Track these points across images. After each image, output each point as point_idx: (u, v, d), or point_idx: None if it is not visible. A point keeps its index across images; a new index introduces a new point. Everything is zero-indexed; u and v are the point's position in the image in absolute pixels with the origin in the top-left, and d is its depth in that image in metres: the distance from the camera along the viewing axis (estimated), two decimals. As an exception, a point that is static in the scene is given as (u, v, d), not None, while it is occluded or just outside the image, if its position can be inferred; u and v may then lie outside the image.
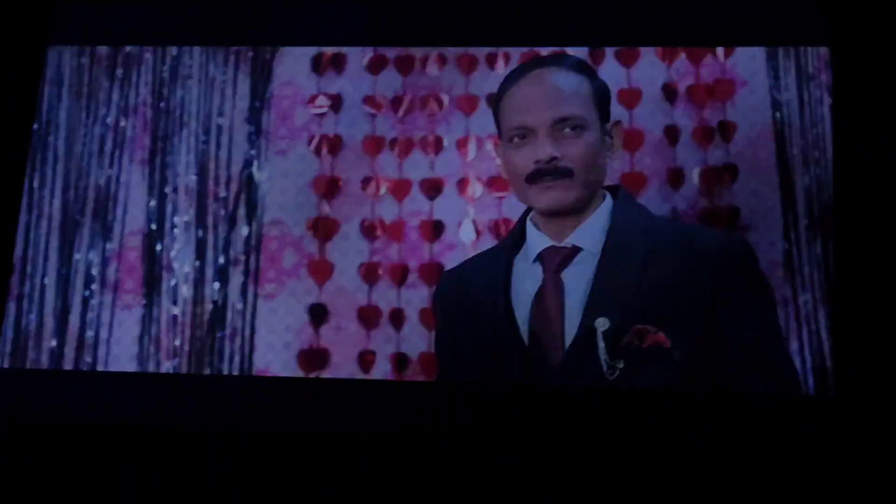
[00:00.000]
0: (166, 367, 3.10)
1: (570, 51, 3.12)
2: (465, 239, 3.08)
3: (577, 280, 2.80)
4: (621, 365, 2.73)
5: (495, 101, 2.93)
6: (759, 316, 2.75)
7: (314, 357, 3.06)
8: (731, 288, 2.73)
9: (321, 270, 3.11)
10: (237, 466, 3.05)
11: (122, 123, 3.29)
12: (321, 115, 3.21)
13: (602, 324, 2.73)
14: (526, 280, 2.83)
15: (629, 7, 3.21)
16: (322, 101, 3.21)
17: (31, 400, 3.18)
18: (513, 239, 2.89)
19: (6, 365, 3.17)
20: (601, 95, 2.85)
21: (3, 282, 3.30)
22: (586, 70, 2.90)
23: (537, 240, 2.84)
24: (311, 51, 3.27)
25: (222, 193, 3.19)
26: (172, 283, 3.14)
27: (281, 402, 3.06)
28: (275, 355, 3.08)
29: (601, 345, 2.73)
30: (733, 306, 2.72)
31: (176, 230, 3.18)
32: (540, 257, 2.83)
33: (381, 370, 3.02)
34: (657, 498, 2.90)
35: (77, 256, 3.21)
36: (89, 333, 3.16)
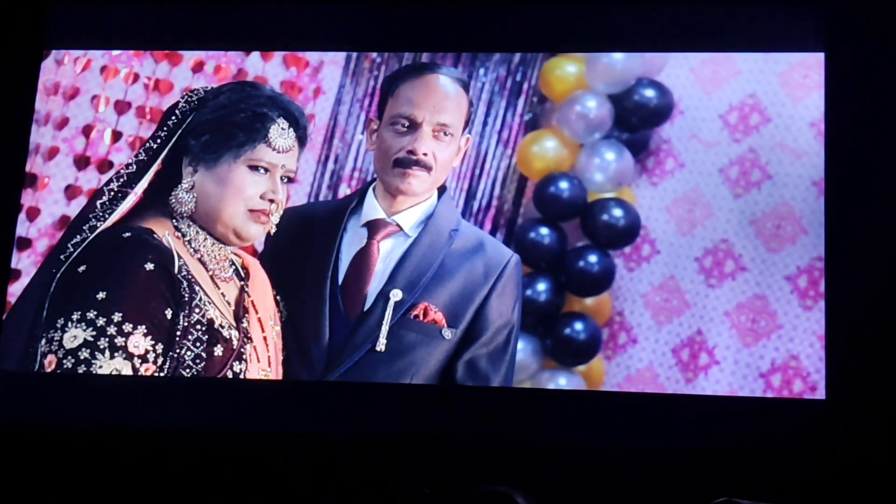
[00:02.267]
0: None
1: (568, 55, 3.56)
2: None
3: (391, 253, 3.29)
4: (384, 342, 3.20)
5: (388, 86, 3.33)
6: (509, 312, 3.26)
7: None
8: (502, 288, 3.25)
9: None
10: (226, 468, 3.26)
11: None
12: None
13: (395, 294, 3.22)
14: (353, 239, 3.30)
15: (624, 13, 3.51)
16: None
17: (34, 402, 3.29)
18: (353, 199, 3.35)
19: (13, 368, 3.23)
20: (469, 112, 3.35)
21: (2, 287, 3.45)
22: (467, 86, 3.36)
23: (372, 209, 3.31)
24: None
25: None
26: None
27: (267, 404, 3.27)
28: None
29: (389, 313, 3.20)
30: (498, 302, 3.25)
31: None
32: (368, 224, 3.30)
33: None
34: (648, 500, 3.12)
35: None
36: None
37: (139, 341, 2.96)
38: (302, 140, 3.19)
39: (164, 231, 3.08)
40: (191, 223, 3.12)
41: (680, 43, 3.49)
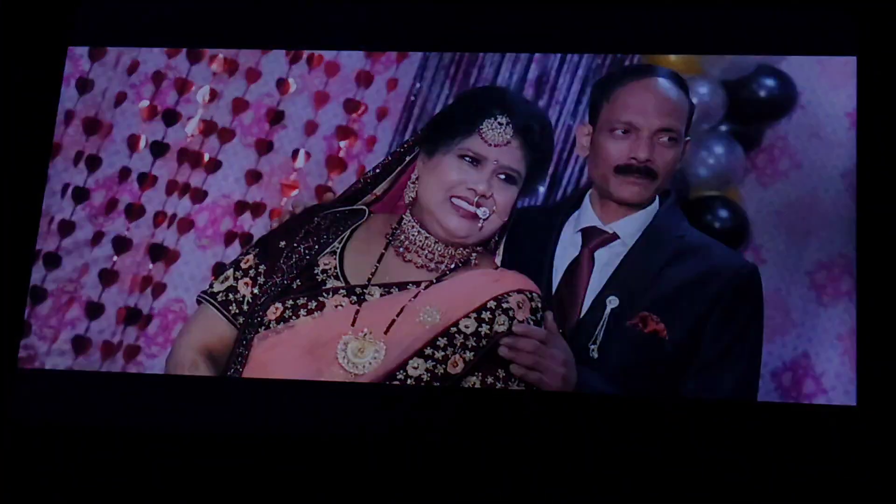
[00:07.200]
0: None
1: (590, 57, 3.45)
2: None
3: (607, 263, 3.10)
4: (596, 348, 3.04)
5: (602, 90, 3.16)
6: (741, 331, 3.04)
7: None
8: (730, 302, 3.02)
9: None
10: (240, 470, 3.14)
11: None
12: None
13: (612, 301, 3.04)
14: (567, 247, 3.15)
15: (652, 15, 3.34)
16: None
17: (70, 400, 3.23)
18: (571, 204, 3.22)
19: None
20: (690, 114, 3.15)
21: (21, 293, 3.30)
22: (685, 88, 3.16)
23: (588, 215, 3.16)
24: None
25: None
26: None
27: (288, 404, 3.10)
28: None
29: (604, 320, 3.02)
30: (726, 318, 3.02)
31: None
32: (583, 231, 3.15)
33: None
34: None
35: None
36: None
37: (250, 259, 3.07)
38: (529, 142, 3.02)
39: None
40: (410, 218, 3.09)
41: (711, 46, 3.32)
